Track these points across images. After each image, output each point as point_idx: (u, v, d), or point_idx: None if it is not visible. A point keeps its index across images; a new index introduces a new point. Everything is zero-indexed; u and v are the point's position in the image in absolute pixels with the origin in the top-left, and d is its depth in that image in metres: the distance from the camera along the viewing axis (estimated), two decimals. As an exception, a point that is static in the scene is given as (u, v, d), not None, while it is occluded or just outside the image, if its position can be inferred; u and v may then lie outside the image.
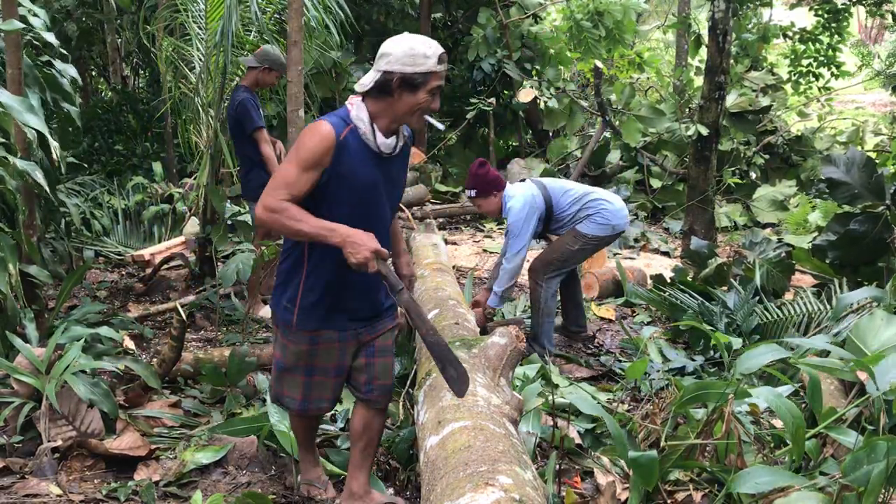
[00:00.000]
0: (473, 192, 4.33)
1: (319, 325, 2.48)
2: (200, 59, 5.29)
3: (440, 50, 2.33)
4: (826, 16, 9.51)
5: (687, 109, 10.02)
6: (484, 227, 8.36)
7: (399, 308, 2.77)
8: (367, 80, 2.37)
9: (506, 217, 4.33)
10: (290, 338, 2.51)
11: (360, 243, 2.25)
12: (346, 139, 2.32)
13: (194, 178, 6.41)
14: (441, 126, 2.65)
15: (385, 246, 2.43)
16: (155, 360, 3.87)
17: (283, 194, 2.30)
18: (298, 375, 2.57)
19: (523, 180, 4.49)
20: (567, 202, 4.36)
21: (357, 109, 2.36)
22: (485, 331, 4.16)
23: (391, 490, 2.91)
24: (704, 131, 6.24)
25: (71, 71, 4.14)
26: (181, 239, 6.37)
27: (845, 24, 9.69)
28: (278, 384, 2.63)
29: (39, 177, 3.15)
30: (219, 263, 5.56)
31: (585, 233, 4.31)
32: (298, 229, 2.28)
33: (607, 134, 9.22)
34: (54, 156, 3.23)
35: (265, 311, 5.07)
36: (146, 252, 5.97)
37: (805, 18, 11.94)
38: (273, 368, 2.66)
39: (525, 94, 9.35)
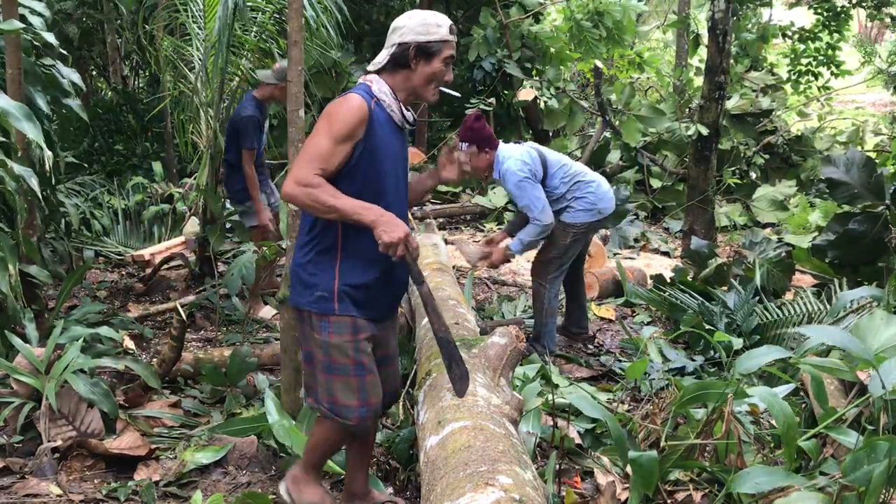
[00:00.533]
0: (465, 146, 4.07)
1: (358, 312, 2.39)
2: (200, 59, 5.29)
3: (450, 21, 2.36)
4: (826, 14, 9.51)
5: (687, 109, 10.02)
6: (484, 227, 8.36)
7: (400, 308, 2.77)
8: (380, 58, 2.37)
9: (497, 178, 4.17)
10: (332, 328, 2.37)
11: (393, 223, 2.22)
12: (375, 111, 2.31)
13: (194, 178, 6.41)
14: (456, 94, 2.68)
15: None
16: (155, 360, 3.87)
17: (316, 168, 2.23)
18: (350, 376, 2.39)
19: (518, 143, 4.38)
20: (559, 178, 4.21)
21: (377, 84, 2.35)
22: (485, 331, 4.16)
23: (391, 490, 2.91)
24: (704, 131, 6.24)
25: (74, 77, 4.15)
26: (181, 239, 6.37)
27: (845, 24, 9.69)
28: (329, 391, 2.41)
29: (34, 183, 3.14)
30: (219, 263, 5.56)
31: (573, 222, 4.22)
32: (333, 205, 2.21)
33: (607, 134, 9.22)
34: (47, 165, 3.21)
35: (265, 312, 5.07)
36: (146, 252, 5.96)
37: (805, 18, 11.94)
38: (319, 375, 2.43)
39: (525, 94, 9.34)
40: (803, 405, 3.21)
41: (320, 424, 2.54)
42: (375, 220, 2.22)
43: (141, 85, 10.76)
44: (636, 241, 7.71)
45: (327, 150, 2.24)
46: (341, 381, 2.40)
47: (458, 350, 2.39)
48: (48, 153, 3.16)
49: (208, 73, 5.11)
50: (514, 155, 4.11)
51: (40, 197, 3.34)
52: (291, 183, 2.24)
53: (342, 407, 2.40)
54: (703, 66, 7.32)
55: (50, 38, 3.88)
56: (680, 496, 2.72)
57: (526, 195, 4.08)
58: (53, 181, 4.15)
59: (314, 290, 2.38)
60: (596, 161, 9.24)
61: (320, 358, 2.41)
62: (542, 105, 9.93)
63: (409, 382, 3.24)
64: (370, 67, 2.39)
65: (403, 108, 2.39)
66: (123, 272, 6.32)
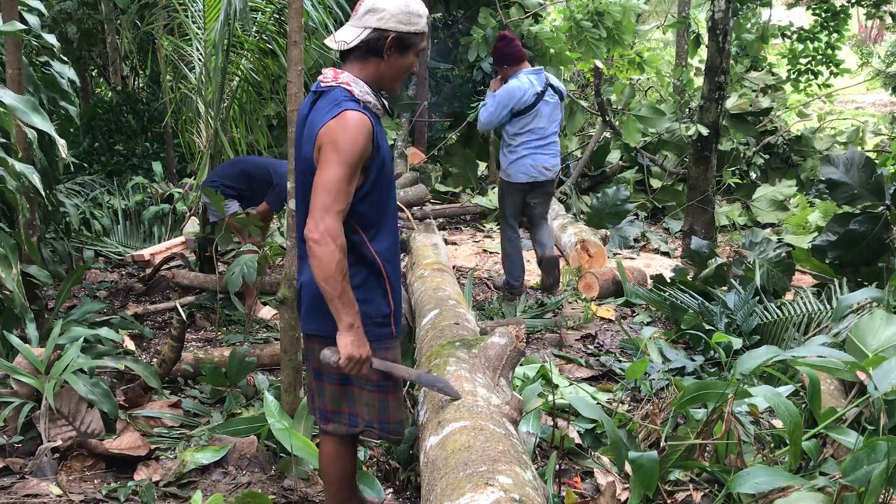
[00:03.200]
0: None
1: (398, 328, 2.35)
2: (200, 60, 5.29)
3: (426, 10, 2.24)
4: (824, 15, 9.51)
5: (687, 109, 10.02)
6: (484, 227, 8.35)
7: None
8: (347, 37, 2.15)
9: None
10: (388, 345, 2.32)
11: (364, 340, 2.15)
12: (373, 121, 2.14)
13: (194, 178, 6.41)
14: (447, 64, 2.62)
15: (394, 228, 2.34)
16: (155, 360, 3.87)
17: (340, 208, 2.07)
18: (400, 390, 2.37)
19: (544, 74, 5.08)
20: (517, 129, 5.02)
21: (356, 85, 2.16)
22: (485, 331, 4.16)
23: (390, 491, 2.91)
24: (704, 131, 6.24)
25: (69, 73, 4.14)
26: (181, 239, 6.37)
27: (844, 24, 9.69)
28: (383, 411, 2.32)
29: (36, 180, 3.13)
30: (219, 263, 5.55)
31: (502, 178, 5.21)
32: (341, 283, 2.07)
33: (607, 134, 9.22)
34: (63, 153, 3.21)
35: (265, 312, 5.06)
36: (146, 252, 5.97)
37: (804, 18, 11.94)
38: (367, 395, 2.32)
39: (525, 94, 9.34)
40: (804, 405, 3.21)
41: (340, 450, 2.41)
42: (352, 328, 2.12)
43: (141, 85, 10.76)
44: (636, 241, 7.70)
45: (346, 184, 2.07)
46: (394, 398, 2.34)
47: (428, 375, 2.43)
48: (61, 141, 3.15)
49: (209, 73, 5.11)
50: (517, 83, 4.93)
51: (44, 194, 3.34)
52: (320, 230, 2.05)
53: (396, 424, 2.36)
54: (703, 66, 7.32)
55: (51, 39, 3.87)
56: (680, 496, 2.72)
57: (490, 98, 4.99)
58: (67, 171, 4.14)
59: (367, 317, 2.23)
60: (596, 161, 9.24)
61: (372, 377, 2.28)
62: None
63: (408, 382, 3.24)
64: (334, 45, 2.16)
65: (382, 100, 2.25)
66: (123, 272, 6.32)
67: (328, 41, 2.21)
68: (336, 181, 2.06)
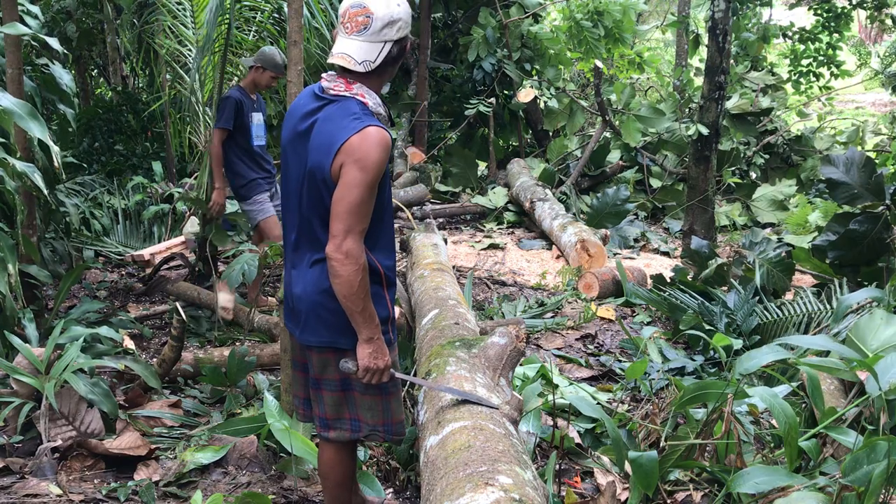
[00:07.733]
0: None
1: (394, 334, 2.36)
2: (193, 60, 5.29)
3: None
4: (826, 15, 9.52)
5: (687, 109, 10.02)
6: (484, 227, 8.35)
7: (399, 308, 2.77)
8: (369, 56, 2.11)
9: None
10: (390, 348, 2.30)
11: (384, 350, 2.18)
12: (391, 136, 2.13)
13: (194, 178, 6.40)
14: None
15: (391, 236, 2.36)
16: (155, 359, 3.87)
17: (363, 232, 2.10)
18: (399, 391, 2.39)
19: None
20: None
21: (370, 97, 2.15)
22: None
23: (390, 491, 2.91)
24: (704, 131, 6.24)
25: (65, 77, 4.14)
26: (181, 239, 6.37)
27: (846, 25, 9.70)
28: (386, 413, 2.34)
29: (38, 179, 3.13)
30: (219, 263, 5.55)
31: None
32: (364, 300, 2.11)
33: (607, 134, 9.22)
34: (56, 162, 3.21)
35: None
36: (146, 252, 5.96)
37: (805, 18, 11.95)
38: (370, 399, 2.33)
39: (525, 94, 9.35)
40: (804, 405, 3.21)
41: (340, 455, 2.42)
42: (374, 339, 2.16)
43: (141, 85, 10.76)
44: (636, 241, 7.70)
45: (368, 204, 2.09)
46: (395, 398, 2.36)
47: (449, 388, 2.46)
48: (55, 149, 3.15)
49: (200, 73, 5.11)
50: None
51: (45, 193, 3.34)
52: (343, 251, 2.07)
53: (398, 424, 2.37)
54: (703, 66, 7.32)
55: (54, 43, 3.87)
56: (680, 496, 2.72)
57: None
58: (63, 177, 4.15)
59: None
60: (596, 161, 9.24)
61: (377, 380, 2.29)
62: (542, 105, 9.94)
63: (409, 383, 3.24)
64: (359, 68, 2.11)
65: (388, 109, 2.25)
66: (123, 272, 6.32)
67: (344, 63, 2.12)
68: (360, 203, 2.08)
